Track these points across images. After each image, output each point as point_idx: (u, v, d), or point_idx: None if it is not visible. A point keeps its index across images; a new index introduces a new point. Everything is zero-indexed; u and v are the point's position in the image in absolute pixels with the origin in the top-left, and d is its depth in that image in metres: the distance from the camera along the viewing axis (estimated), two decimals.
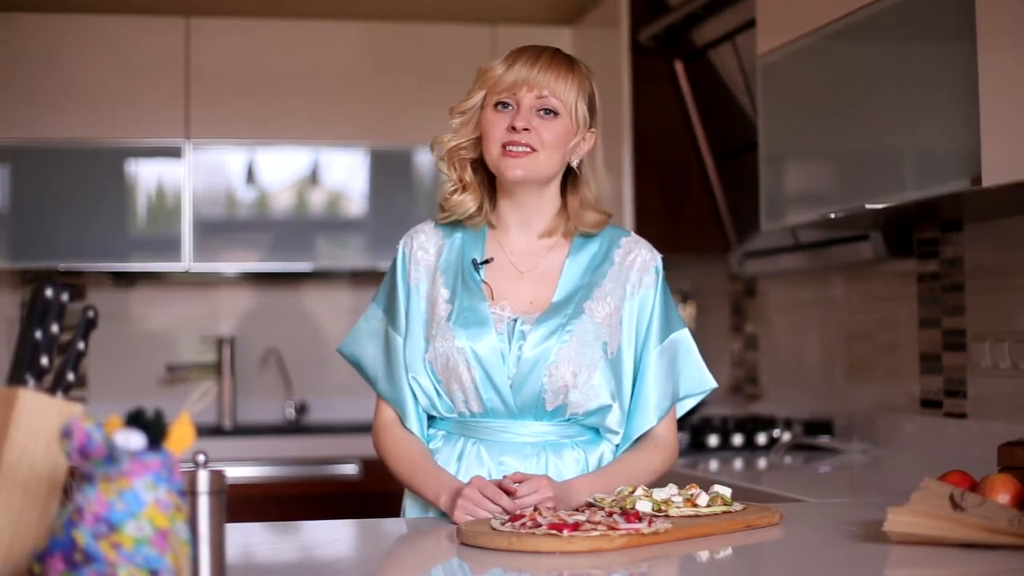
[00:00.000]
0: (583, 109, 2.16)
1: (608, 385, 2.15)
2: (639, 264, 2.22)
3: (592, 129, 2.20)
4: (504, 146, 2.13)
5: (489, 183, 2.23)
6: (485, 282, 2.19)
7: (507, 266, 2.21)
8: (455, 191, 2.21)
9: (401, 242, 2.27)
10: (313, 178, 4.49)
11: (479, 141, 2.19)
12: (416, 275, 2.22)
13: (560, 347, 2.12)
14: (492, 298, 2.18)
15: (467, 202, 2.21)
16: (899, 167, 2.73)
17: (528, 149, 2.13)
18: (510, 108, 2.14)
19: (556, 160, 2.16)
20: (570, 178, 2.24)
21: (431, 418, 2.22)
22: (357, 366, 2.28)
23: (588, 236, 2.24)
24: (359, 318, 2.29)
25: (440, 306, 2.17)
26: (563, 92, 2.14)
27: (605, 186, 2.27)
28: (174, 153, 4.31)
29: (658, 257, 2.25)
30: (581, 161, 2.21)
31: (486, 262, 2.21)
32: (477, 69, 2.22)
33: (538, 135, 2.13)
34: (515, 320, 2.15)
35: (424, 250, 2.24)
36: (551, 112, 2.14)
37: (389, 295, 2.24)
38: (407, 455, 2.18)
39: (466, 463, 2.15)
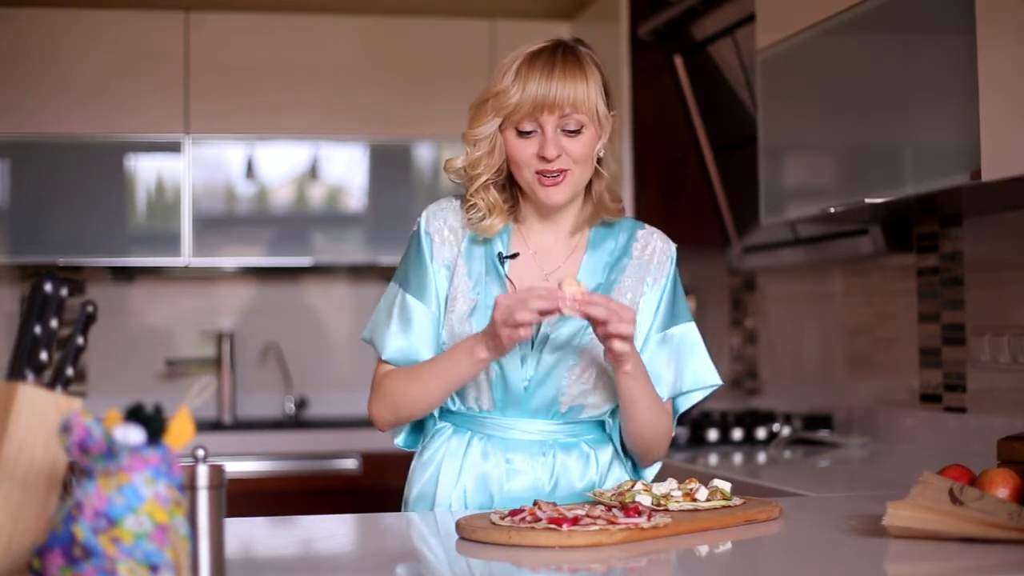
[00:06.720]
0: (603, 107, 2.09)
1: None
2: (657, 257, 2.20)
3: (612, 113, 2.13)
4: (536, 172, 2.09)
5: (511, 180, 2.17)
6: (509, 278, 2.15)
7: (532, 265, 2.17)
8: (483, 217, 2.15)
9: (423, 219, 2.19)
10: (312, 173, 4.49)
11: (496, 158, 2.12)
12: (440, 256, 2.16)
13: (583, 349, 2.10)
14: None
15: (496, 225, 2.15)
16: (899, 161, 2.73)
17: (562, 173, 2.09)
18: (533, 133, 2.08)
19: (588, 169, 2.12)
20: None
21: (440, 410, 2.19)
22: (373, 343, 2.20)
23: (608, 224, 2.20)
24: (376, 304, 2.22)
25: (461, 298, 2.13)
26: (583, 102, 2.06)
27: (614, 164, 2.19)
28: (173, 148, 4.31)
29: (672, 247, 2.23)
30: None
31: (512, 256, 2.17)
32: (486, 90, 2.12)
33: (568, 155, 2.07)
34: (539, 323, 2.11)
35: (453, 232, 2.17)
36: (577, 128, 2.08)
37: (411, 268, 2.17)
38: (416, 366, 2.13)
39: (472, 458, 2.13)
